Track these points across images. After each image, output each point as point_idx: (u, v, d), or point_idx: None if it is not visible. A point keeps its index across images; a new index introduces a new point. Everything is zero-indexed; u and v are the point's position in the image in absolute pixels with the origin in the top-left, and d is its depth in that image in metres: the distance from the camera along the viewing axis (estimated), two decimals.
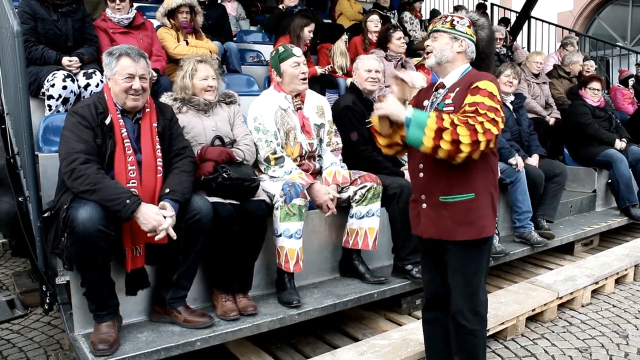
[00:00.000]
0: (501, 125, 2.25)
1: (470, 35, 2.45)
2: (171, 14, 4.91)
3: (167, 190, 2.79)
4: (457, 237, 2.37)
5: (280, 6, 6.55)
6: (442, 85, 2.48)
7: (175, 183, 2.84)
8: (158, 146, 2.91)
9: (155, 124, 2.94)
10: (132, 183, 2.77)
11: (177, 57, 4.70)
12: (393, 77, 2.39)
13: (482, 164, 2.34)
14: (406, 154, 2.59)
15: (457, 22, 2.43)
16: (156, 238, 2.64)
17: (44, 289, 3.27)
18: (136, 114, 2.92)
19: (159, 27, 4.91)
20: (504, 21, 9.82)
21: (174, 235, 2.67)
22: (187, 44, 4.87)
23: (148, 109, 2.96)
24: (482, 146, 2.17)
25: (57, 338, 3.66)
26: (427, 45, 2.46)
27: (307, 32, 5.55)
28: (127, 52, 2.86)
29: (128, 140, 2.82)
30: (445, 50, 2.42)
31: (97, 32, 4.34)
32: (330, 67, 5.82)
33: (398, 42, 5.64)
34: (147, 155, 2.85)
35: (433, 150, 2.18)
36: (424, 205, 2.46)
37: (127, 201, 2.59)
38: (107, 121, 2.80)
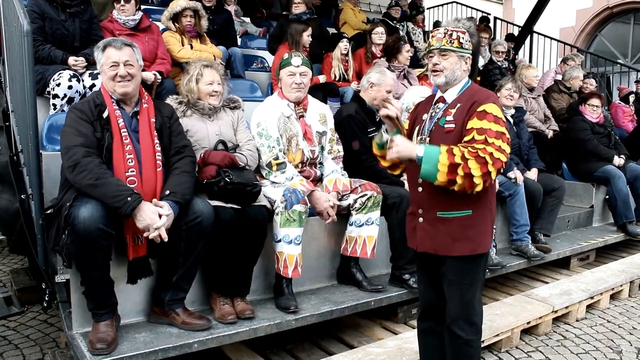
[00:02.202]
0: (508, 150, 2.28)
1: (471, 49, 2.45)
2: (176, 17, 4.95)
3: (168, 192, 2.81)
4: (453, 253, 2.39)
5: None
6: (443, 100, 2.48)
7: (176, 184, 2.86)
8: (157, 141, 2.94)
9: (153, 120, 2.98)
10: (131, 172, 2.79)
11: (180, 60, 4.74)
12: (383, 116, 2.39)
13: None
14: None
15: (463, 39, 2.41)
16: (150, 236, 2.67)
17: (44, 287, 3.28)
18: (134, 107, 2.97)
19: (163, 30, 4.94)
20: (510, 38, 9.84)
21: (165, 237, 2.69)
22: (192, 47, 4.90)
23: (146, 105, 3.00)
24: (494, 175, 2.22)
25: (53, 336, 3.67)
26: (436, 64, 2.43)
27: (306, 36, 5.58)
28: (110, 43, 2.95)
29: (125, 130, 2.86)
30: (455, 71, 2.42)
31: (103, 33, 4.36)
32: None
33: (407, 54, 5.72)
34: (145, 149, 2.89)
35: (449, 184, 2.22)
36: (421, 220, 2.47)
37: (129, 199, 2.62)
38: (105, 114, 2.85)
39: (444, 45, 2.41)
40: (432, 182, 2.28)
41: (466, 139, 2.29)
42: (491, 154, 2.20)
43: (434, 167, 2.20)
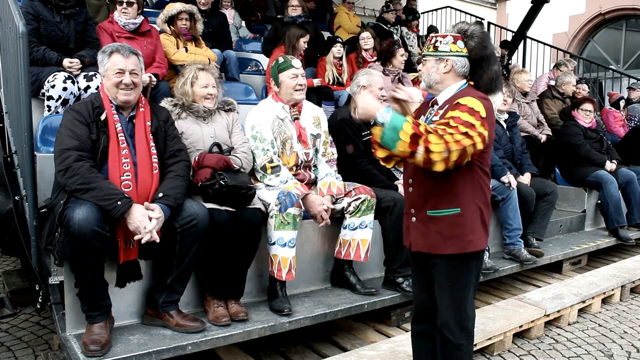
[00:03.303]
0: (477, 139, 2.21)
1: (457, 51, 2.43)
2: (171, 20, 4.96)
3: (160, 195, 2.82)
4: (444, 251, 2.40)
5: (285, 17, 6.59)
6: (436, 102, 2.52)
7: (169, 187, 2.87)
8: (152, 144, 2.95)
9: (148, 123, 2.99)
10: (127, 176, 2.80)
11: (175, 63, 4.75)
12: (391, 98, 2.45)
13: (469, 179, 2.37)
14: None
15: (440, 42, 2.44)
16: (142, 241, 2.67)
17: (37, 288, 3.27)
18: (131, 111, 2.98)
19: (159, 33, 4.95)
20: (504, 44, 9.89)
21: (156, 239, 2.69)
22: (186, 50, 4.91)
23: (142, 109, 3.02)
24: (453, 156, 2.15)
25: (45, 338, 3.65)
26: (419, 70, 2.54)
27: (302, 42, 5.61)
28: (118, 49, 2.95)
29: (122, 134, 2.88)
30: (431, 74, 2.46)
31: (101, 34, 4.37)
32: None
33: (401, 58, 5.76)
34: (141, 152, 2.90)
35: (409, 156, 2.16)
36: (414, 219, 2.50)
37: (119, 202, 2.63)
38: (103, 117, 2.86)
39: (422, 52, 2.53)
40: (419, 179, 2.36)
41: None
42: (451, 135, 2.15)
43: (396, 134, 2.13)
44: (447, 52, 2.44)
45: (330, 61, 6.04)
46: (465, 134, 2.19)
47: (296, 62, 3.70)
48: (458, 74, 2.46)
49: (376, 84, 4.07)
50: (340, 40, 6.26)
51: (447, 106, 2.41)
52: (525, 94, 6.64)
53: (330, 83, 5.97)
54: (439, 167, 2.17)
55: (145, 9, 6.50)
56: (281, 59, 3.73)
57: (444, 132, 2.17)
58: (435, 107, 2.50)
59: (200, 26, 5.11)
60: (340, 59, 6.12)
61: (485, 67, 2.47)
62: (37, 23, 4.03)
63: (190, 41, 5.02)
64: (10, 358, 3.40)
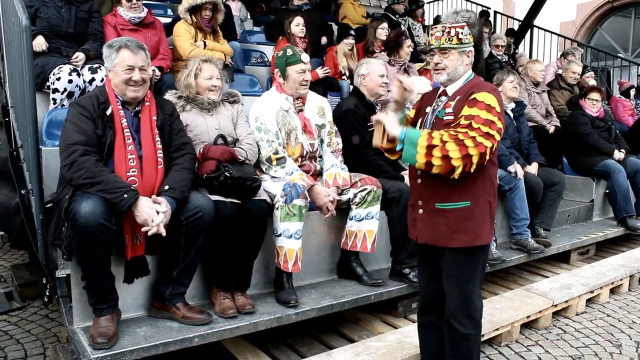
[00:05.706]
0: (497, 137, 2.27)
1: (472, 42, 2.44)
2: (194, 10, 4.77)
3: (167, 187, 2.82)
4: (452, 244, 2.40)
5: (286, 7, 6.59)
6: (445, 93, 2.50)
7: (175, 180, 2.87)
8: (158, 138, 2.94)
9: (154, 117, 2.98)
10: (132, 172, 2.79)
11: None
12: (396, 80, 2.44)
13: (479, 172, 2.35)
14: None
15: (462, 34, 2.40)
16: (149, 233, 2.67)
17: (44, 282, 3.29)
18: (136, 106, 2.96)
19: (177, 20, 4.85)
20: (510, 32, 9.80)
21: (163, 232, 2.69)
22: (205, 45, 4.74)
23: (148, 103, 3.00)
24: (475, 159, 2.20)
25: (54, 331, 3.68)
26: (437, 63, 2.45)
27: (294, 26, 5.57)
28: (127, 44, 2.91)
29: (128, 130, 2.86)
30: (458, 67, 2.43)
31: (105, 27, 4.35)
32: (328, 69, 5.82)
33: (408, 49, 5.73)
34: (146, 147, 2.89)
35: (427, 167, 2.24)
36: (421, 211, 2.49)
37: (125, 195, 2.63)
38: (108, 112, 2.84)
39: (443, 43, 2.42)
40: (427, 172, 2.32)
41: (453, 125, 2.31)
42: (473, 138, 2.19)
43: (413, 148, 2.24)
44: (469, 43, 2.43)
45: (345, 52, 5.97)
46: (487, 134, 2.22)
47: (305, 57, 3.67)
48: (472, 64, 2.48)
49: (375, 71, 4.08)
50: (352, 33, 6.19)
51: (458, 97, 2.39)
52: (536, 84, 6.60)
53: (342, 74, 5.93)
54: (459, 171, 2.22)
55: (150, 2, 6.51)
56: (290, 52, 3.68)
57: (466, 136, 2.20)
58: (444, 98, 2.48)
59: (221, 17, 4.94)
60: (351, 49, 6.06)
61: (481, 55, 2.52)
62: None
63: (210, 34, 4.88)
64: (20, 350, 3.43)
